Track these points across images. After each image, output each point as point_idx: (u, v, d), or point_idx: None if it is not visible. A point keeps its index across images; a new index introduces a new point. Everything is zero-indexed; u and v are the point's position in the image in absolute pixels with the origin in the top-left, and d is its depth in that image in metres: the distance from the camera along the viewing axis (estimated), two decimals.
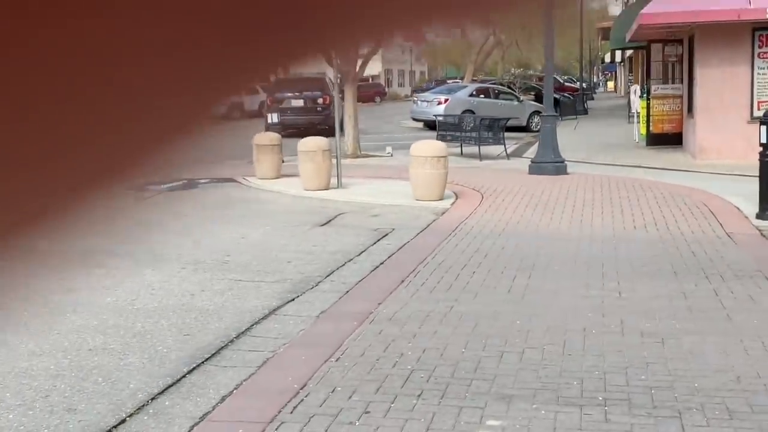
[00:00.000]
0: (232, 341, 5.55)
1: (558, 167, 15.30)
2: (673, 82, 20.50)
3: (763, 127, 10.14)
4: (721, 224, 9.81)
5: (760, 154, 10.19)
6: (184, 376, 4.89)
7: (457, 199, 11.95)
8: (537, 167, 15.37)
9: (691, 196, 12.06)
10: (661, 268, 7.38)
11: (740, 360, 4.94)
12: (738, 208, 10.80)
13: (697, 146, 17.49)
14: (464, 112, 30.63)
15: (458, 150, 19.48)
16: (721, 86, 16.98)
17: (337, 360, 5.01)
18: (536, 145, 23.45)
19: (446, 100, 31.14)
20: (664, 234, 9.16)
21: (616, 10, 49.79)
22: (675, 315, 5.89)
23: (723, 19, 16.11)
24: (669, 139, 19.89)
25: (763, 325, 5.60)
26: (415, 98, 33.52)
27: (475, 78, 41.68)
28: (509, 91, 32.99)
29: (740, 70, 16.91)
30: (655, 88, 20.58)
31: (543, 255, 8.02)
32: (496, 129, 19.79)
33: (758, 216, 10.07)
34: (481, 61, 40.40)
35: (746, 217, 10.18)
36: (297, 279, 7.31)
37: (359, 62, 18.92)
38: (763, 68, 16.90)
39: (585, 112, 39.59)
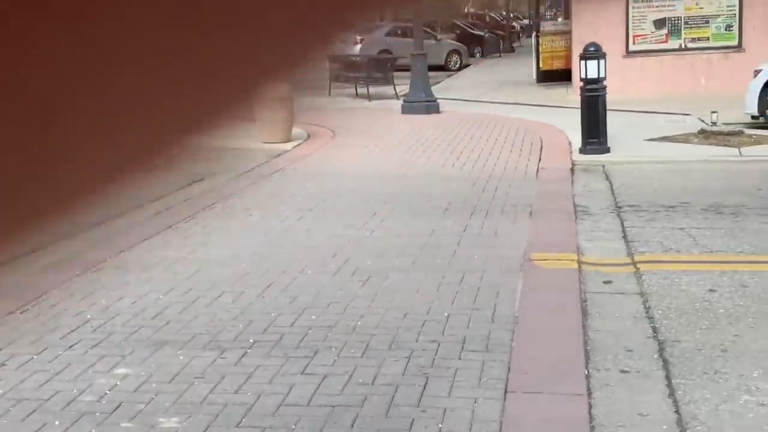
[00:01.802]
0: None
1: (429, 106, 15.29)
2: (565, 18, 20.49)
3: (583, 62, 10.20)
4: (540, 159, 9.92)
5: (581, 89, 10.26)
6: None
7: (302, 142, 11.90)
8: (409, 107, 15.35)
9: (537, 132, 12.16)
10: (439, 206, 7.45)
11: (424, 297, 5.02)
12: (571, 144, 10.91)
13: (575, 82, 17.55)
14: (380, 51, 30.39)
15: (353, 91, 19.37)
16: (597, 21, 16.99)
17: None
18: (436, 85, 23.48)
19: (362, 40, 30.78)
20: (477, 171, 9.23)
21: None
22: (403, 252, 5.96)
23: None
24: (559, 76, 19.90)
25: (478, 262, 5.69)
26: None
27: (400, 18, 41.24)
28: (426, 29, 32.66)
29: (615, 5, 16.91)
30: (544, 25, 20.53)
31: (337, 195, 8.05)
32: (386, 69, 19.64)
33: (581, 151, 10.19)
34: None
35: (571, 152, 10.29)
36: None
37: None
38: (638, 2, 16.93)
39: (511, 50, 39.34)
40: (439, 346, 4.29)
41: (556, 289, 5.11)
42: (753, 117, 12.33)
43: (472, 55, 34.34)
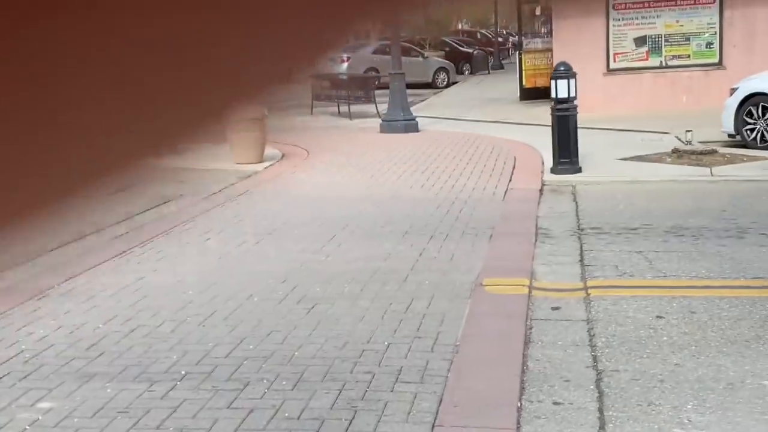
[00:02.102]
0: None
1: (407, 125, 15.25)
2: (547, 36, 20.48)
3: (553, 82, 10.15)
4: (510, 180, 9.85)
5: (552, 108, 10.21)
6: None
7: (275, 162, 11.83)
8: (387, 125, 15.31)
9: (512, 151, 12.10)
10: (400, 229, 7.36)
11: (367, 326, 4.93)
12: (544, 163, 10.84)
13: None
14: (367, 69, 30.43)
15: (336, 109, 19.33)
16: (578, 38, 16.98)
17: None
18: (420, 103, 23.47)
19: (348, 59, 30.84)
20: (445, 192, 9.15)
21: None
22: (354, 278, 5.87)
23: None
24: (542, 93, 19.83)
25: (428, 288, 5.60)
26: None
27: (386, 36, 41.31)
28: (413, 47, 32.73)
29: (596, 22, 16.91)
30: (527, 42, 20.54)
31: (299, 217, 7.96)
32: (367, 88, 19.61)
33: (552, 171, 10.13)
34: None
35: (543, 172, 10.22)
36: None
37: None
38: (619, 20, 16.93)
39: (500, 67, 39.38)
40: (373, 377, 4.20)
41: (503, 316, 5.02)
42: (730, 135, 12.28)
43: (461, 72, 34.42)
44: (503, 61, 39.52)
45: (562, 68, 10.20)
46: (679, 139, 12.43)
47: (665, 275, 5.75)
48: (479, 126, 15.88)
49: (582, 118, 15.98)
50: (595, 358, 4.37)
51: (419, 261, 6.30)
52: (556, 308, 5.15)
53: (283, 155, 12.43)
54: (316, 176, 10.58)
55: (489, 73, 36.05)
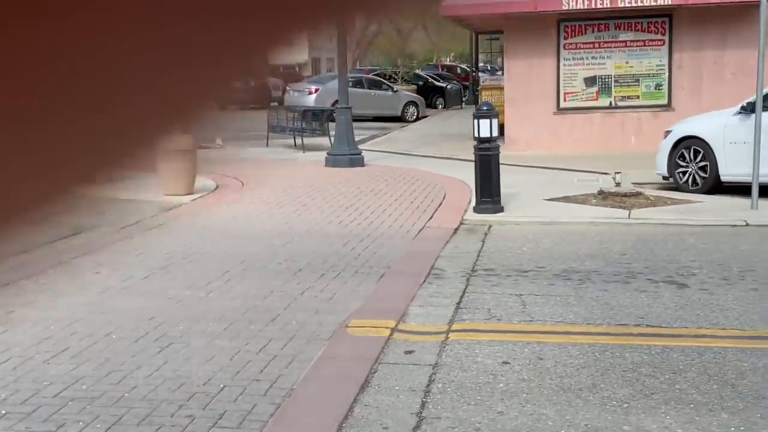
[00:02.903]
0: None
1: (353, 159, 15.26)
2: (503, 73, 20.62)
3: (475, 121, 10.19)
4: (431, 218, 9.85)
5: (475, 147, 10.23)
6: None
7: (205, 194, 11.80)
8: (332, 159, 15.32)
9: (446, 188, 12.12)
10: (295, 266, 7.33)
11: (213, 367, 4.88)
12: (471, 202, 10.85)
13: (507, 137, 17.63)
14: (335, 102, 30.51)
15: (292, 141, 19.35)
16: (529, 77, 17.11)
17: None
18: (382, 137, 23.55)
19: (317, 90, 30.98)
20: (360, 229, 9.13)
21: None
22: (224, 316, 5.82)
23: (520, 10, 16.22)
24: (499, 130, 19.94)
25: (293, 328, 5.56)
26: (289, 88, 33.28)
27: (361, 68, 41.64)
28: (383, 81, 32.92)
29: (547, 62, 17.05)
30: (484, 80, 20.68)
31: (201, 252, 7.92)
32: (322, 120, 19.65)
33: (475, 210, 10.13)
34: (363, 51, 40.35)
35: (466, 211, 10.22)
36: None
37: None
38: (569, 60, 17.07)
39: (475, 101, 39.52)
40: (191, 421, 4.14)
41: (351, 359, 4.98)
42: (664, 178, 12.36)
43: (434, 106, 34.58)
44: (478, 95, 39.79)
45: (484, 108, 10.27)
46: (615, 180, 12.49)
47: (532, 320, 5.72)
48: (427, 162, 15.91)
49: (529, 156, 16.19)
50: (423, 405, 4.33)
51: (298, 300, 6.26)
52: (410, 352, 5.11)
53: (217, 187, 12.41)
54: (241, 209, 10.55)
55: (462, 107, 36.25)
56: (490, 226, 9.41)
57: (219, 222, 9.67)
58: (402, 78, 37.10)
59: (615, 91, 17.03)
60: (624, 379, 4.60)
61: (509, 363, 4.88)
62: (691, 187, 11.80)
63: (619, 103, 17.02)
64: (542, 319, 5.73)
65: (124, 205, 10.85)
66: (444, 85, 38.35)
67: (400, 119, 30.29)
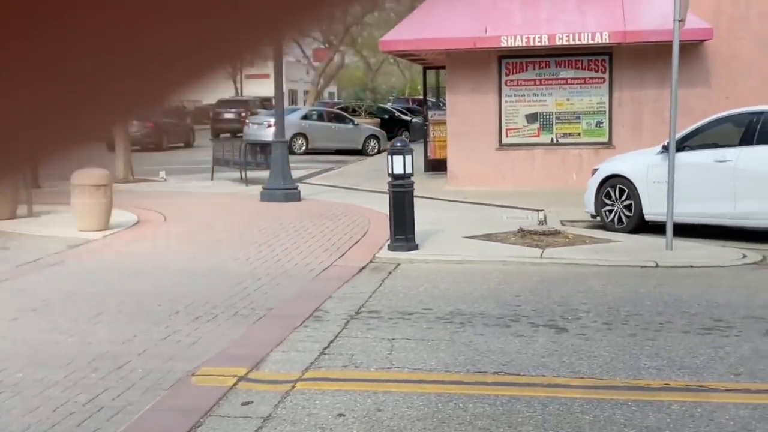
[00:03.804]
0: None
1: (288, 194, 15.08)
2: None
3: (389, 158, 10.02)
4: (343, 255, 9.64)
5: (389, 184, 10.05)
6: None
7: (120, 230, 11.53)
8: (268, 194, 15.13)
9: (371, 224, 11.94)
10: (174, 308, 7.08)
11: (31, 419, 4.61)
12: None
13: (449, 173, 17.54)
14: (295, 135, 30.46)
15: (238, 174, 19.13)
16: (471, 113, 17.04)
17: None
18: (335, 171, 23.38)
19: (276, 122, 30.81)
20: (264, 267, 8.90)
21: None
22: (71, 362, 5.55)
23: (459, 47, 16.18)
24: (445, 165, 19.86)
25: (135, 377, 5.30)
26: (248, 121, 33.14)
27: (326, 101, 41.66)
28: (344, 114, 32.87)
29: (488, 98, 16.99)
30: (432, 114, 20.62)
31: (83, 292, 7.66)
32: (267, 153, 19.46)
33: (389, 248, 9.93)
34: (325, 83, 40.38)
35: (381, 249, 10.02)
36: None
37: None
38: (511, 96, 17.02)
39: (425, 136, 39.48)
40: None
41: (179, 411, 4.73)
42: (592, 216, 12.25)
43: None
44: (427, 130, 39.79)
45: (398, 144, 10.11)
46: (543, 219, 12.37)
47: (391, 367, 5.50)
48: (367, 196, 15.72)
49: (470, 191, 16.06)
50: None
51: (157, 345, 6.01)
52: (248, 403, 4.87)
53: (138, 221, 12.16)
54: (150, 245, 10.31)
55: (426, 141, 36.17)
56: (398, 265, 9.21)
57: (124, 259, 9.41)
58: (366, 111, 37.08)
59: (556, 128, 16.99)
60: None
61: (344, 415, 4.64)
62: (617, 226, 11.69)
63: (561, 140, 16.98)
64: (401, 366, 5.51)
65: (32, 241, 10.59)
66: (409, 118, 38.37)
67: (361, 152, 30.24)
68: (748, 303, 7.16)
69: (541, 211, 13.47)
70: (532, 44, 15.80)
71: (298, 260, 9.36)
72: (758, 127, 10.28)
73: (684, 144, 11.18)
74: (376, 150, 31.08)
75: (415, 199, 15.62)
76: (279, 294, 7.66)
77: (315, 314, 6.93)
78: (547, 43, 15.75)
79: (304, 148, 30.70)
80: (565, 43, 15.67)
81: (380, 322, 6.67)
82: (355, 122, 32.25)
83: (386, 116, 38.00)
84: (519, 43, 15.83)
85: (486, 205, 14.40)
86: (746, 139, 10.41)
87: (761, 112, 10.41)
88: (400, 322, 6.67)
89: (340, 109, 36.20)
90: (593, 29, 15.60)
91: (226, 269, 8.82)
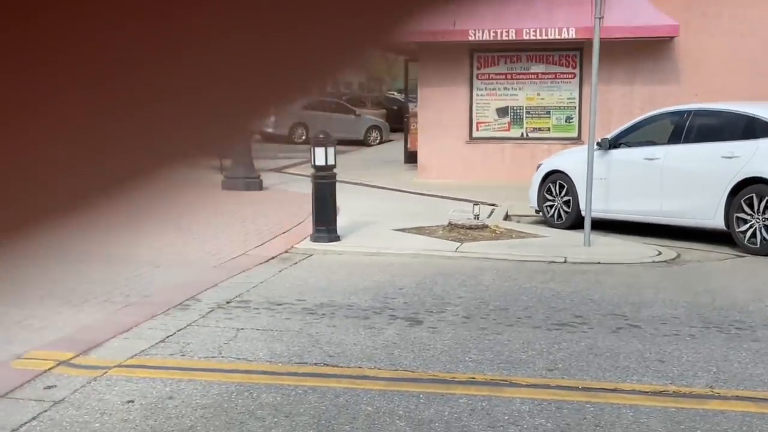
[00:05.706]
0: None
1: (249, 183, 15.16)
2: None
3: (312, 149, 10.03)
4: (263, 244, 9.70)
5: (313, 176, 10.07)
6: None
7: None
8: (229, 182, 15.19)
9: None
10: (50, 294, 7.18)
11: None
12: None
13: (419, 165, 17.50)
14: (295, 125, 30.61)
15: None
16: (442, 106, 16.99)
17: None
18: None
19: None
20: (173, 255, 8.98)
21: None
22: None
23: (428, 39, 16.10)
24: None
25: None
26: None
27: (332, 92, 41.66)
28: (346, 104, 32.90)
29: (460, 91, 16.93)
30: (412, 106, 20.57)
31: None
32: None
33: (312, 239, 9.95)
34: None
35: (305, 239, 10.04)
36: None
37: None
38: (482, 89, 16.94)
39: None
40: None
41: None
42: (536, 211, 12.17)
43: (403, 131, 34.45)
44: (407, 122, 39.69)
45: (321, 136, 10.11)
46: (477, 213, 12.30)
47: (216, 356, 5.53)
48: (339, 187, 15.70)
49: (435, 184, 16.02)
50: None
51: (7, 328, 6.09)
52: (51, 387, 4.93)
53: None
54: None
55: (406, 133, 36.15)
56: (310, 256, 9.24)
57: None
58: (372, 102, 37.04)
59: (527, 123, 16.87)
60: (232, 422, 4.41)
61: (132, 402, 4.69)
62: (556, 222, 11.61)
63: (531, 135, 16.87)
64: (227, 356, 5.54)
65: None
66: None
67: (362, 143, 30.31)
68: (623, 300, 7.09)
69: (495, 205, 13.41)
70: (500, 38, 15.69)
71: (209, 248, 9.42)
72: (686, 125, 10.15)
73: (620, 141, 11.09)
74: (378, 140, 31.14)
75: (373, 190, 15.71)
76: (164, 282, 7.72)
77: (185, 302, 6.98)
78: (514, 38, 15.63)
79: (304, 137, 30.79)
80: (532, 38, 15.54)
81: (243, 312, 6.70)
82: (357, 113, 32.27)
83: (395, 107, 37.91)
84: (487, 37, 15.73)
85: (443, 197, 14.36)
86: (674, 138, 10.28)
87: (689, 111, 10.27)
88: (263, 312, 6.69)
89: (347, 101, 36.22)
90: (561, 25, 15.45)
91: (135, 256, 8.89)
